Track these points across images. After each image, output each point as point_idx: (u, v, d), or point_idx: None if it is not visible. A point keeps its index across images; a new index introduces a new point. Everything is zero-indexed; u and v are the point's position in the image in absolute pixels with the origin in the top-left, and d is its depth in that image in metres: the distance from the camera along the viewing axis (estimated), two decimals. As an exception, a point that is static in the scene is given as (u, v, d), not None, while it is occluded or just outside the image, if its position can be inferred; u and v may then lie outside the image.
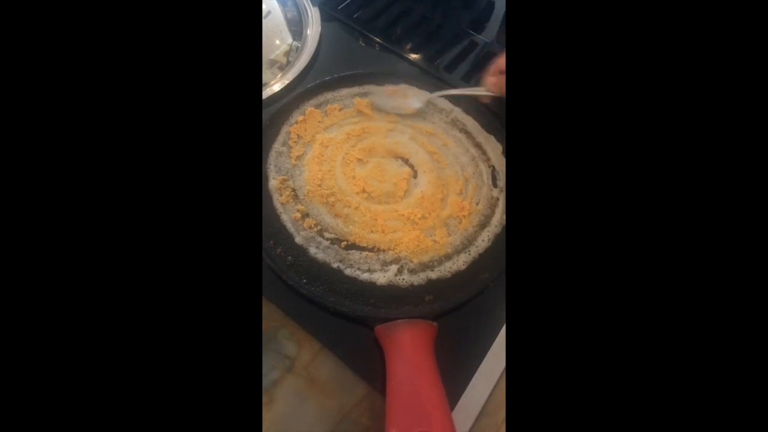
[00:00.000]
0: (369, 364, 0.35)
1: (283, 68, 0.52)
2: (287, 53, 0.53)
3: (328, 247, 0.40)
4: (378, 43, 0.54)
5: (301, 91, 0.48)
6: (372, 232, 0.40)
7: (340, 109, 0.47)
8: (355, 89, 0.49)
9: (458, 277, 0.39)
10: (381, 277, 0.38)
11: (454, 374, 0.35)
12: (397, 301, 0.38)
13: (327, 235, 0.40)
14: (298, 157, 0.44)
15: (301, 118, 0.46)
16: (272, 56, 0.52)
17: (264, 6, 0.54)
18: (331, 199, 0.42)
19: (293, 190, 0.42)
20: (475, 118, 0.47)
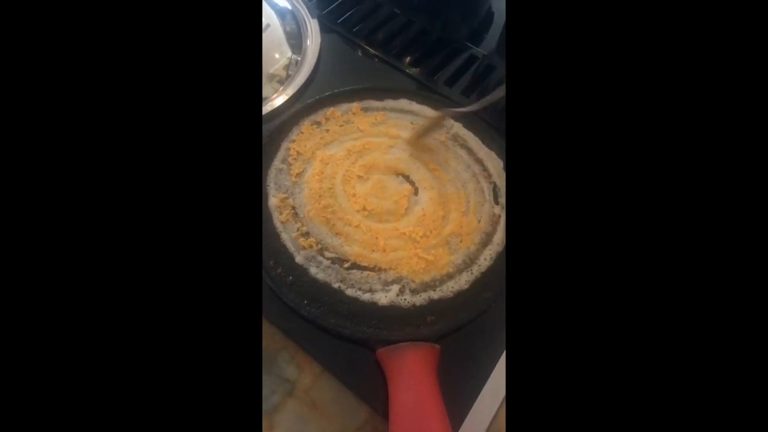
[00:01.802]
0: (371, 387, 0.35)
1: (283, 82, 0.51)
2: (287, 67, 0.53)
3: (329, 267, 0.39)
4: (377, 56, 0.54)
5: (300, 107, 0.47)
6: (373, 251, 0.40)
7: (340, 125, 0.47)
8: (355, 104, 0.48)
9: (460, 296, 0.39)
10: (383, 298, 0.38)
11: (457, 396, 0.35)
12: (399, 322, 0.37)
13: (328, 254, 0.40)
14: (298, 175, 0.44)
15: (300, 134, 0.46)
16: (272, 70, 0.52)
17: (263, 19, 0.54)
18: (332, 217, 0.41)
19: (293, 208, 0.42)
20: (476, 134, 0.47)
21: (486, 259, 0.40)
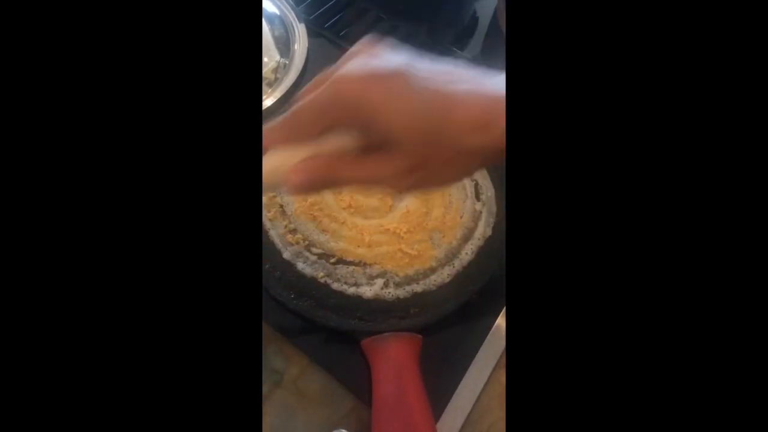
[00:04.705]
0: (356, 377, 0.36)
1: (272, 85, 0.53)
2: (275, 70, 0.54)
3: (316, 262, 0.41)
4: (364, 59, 0.55)
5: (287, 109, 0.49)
6: (359, 246, 0.41)
7: (326, 126, 0.48)
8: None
9: (443, 289, 0.40)
10: (368, 291, 0.39)
11: (439, 384, 0.36)
12: (383, 315, 0.39)
13: (314, 250, 0.41)
14: (286, 174, 0.45)
15: (288, 134, 0.47)
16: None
17: (252, 24, 0.55)
18: (319, 214, 0.43)
19: (281, 206, 0.43)
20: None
21: (467, 253, 0.42)
